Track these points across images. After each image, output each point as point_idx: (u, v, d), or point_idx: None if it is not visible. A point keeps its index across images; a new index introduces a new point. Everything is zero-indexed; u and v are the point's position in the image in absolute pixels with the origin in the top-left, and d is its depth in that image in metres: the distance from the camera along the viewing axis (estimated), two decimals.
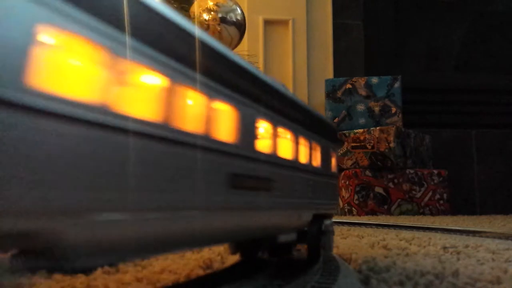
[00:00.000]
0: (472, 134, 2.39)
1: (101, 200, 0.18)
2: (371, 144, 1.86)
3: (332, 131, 0.55)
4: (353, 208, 1.82)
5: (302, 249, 0.58)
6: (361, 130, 1.90)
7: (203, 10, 1.10)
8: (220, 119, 0.27)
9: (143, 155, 0.21)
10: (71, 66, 0.18)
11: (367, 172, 1.84)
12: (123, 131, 0.19)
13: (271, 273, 0.42)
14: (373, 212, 1.81)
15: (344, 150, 1.92)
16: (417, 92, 2.40)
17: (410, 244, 0.72)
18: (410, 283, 0.41)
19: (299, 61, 2.30)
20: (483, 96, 2.48)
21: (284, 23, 2.31)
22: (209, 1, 1.11)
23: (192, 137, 0.24)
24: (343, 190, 1.88)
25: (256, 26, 2.26)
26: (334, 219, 1.49)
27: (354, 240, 0.77)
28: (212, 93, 0.26)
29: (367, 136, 1.88)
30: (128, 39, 0.19)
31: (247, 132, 0.30)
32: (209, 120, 0.26)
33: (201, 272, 0.46)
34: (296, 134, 0.39)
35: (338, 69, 2.35)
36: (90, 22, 0.18)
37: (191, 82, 0.24)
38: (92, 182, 0.18)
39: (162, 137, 0.22)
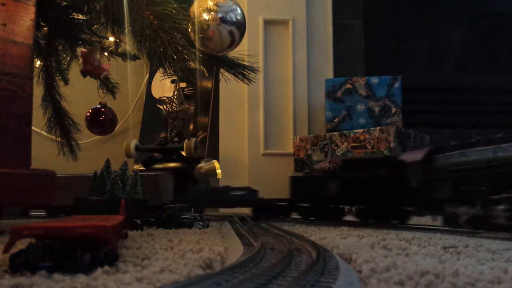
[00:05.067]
0: (472, 134, 2.38)
1: None
2: (371, 144, 1.86)
3: None
4: (353, 208, 1.82)
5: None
6: (361, 130, 1.90)
7: (203, 10, 1.10)
8: None
9: None
10: None
11: None
12: None
13: None
14: None
15: (344, 150, 1.92)
16: (417, 92, 2.40)
17: (410, 244, 0.72)
18: (410, 283, 0.41)
19: (299, 61, 2.29)
20: (483, 96, 2.48)
21: (284, 23, 2.30)
22: (209, 1, 1.11)
23: None
24: None
25: (256, 26, 2.26)
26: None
27: (354, 240, 0.77)
28: None
29: (367, 136, 1.87)
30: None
31: None
32: None
33: (201, 272, 0.46)
34: None
35: (338, 69, 2.34)
36: None
37: None
38: None
39: None
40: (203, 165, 1.65)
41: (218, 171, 1.65)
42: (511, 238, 0.80)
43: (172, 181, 1.59)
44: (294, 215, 1.52)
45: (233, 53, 1.25)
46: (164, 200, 1.48)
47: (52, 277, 0.43)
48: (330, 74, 2.32)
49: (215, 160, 1.67)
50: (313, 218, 1.41)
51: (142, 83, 2.51)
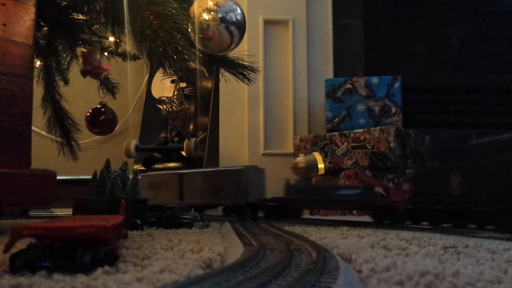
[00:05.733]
0: (472, 134, 2.38)
1: None
2: (371, 144, 1.86)
3: None
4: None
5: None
6: (361, 130, 1.90)
7: (203, 10, 1.10)
8: None
9: None
10: None
11: (367, 172, 1.84)
12: None
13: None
14: None
15: (344, 150, 1.92)
16: (417, 92, 2.40)
17: (410, 244, 0.72)
18: (410, 283, 0.41)
19: (299, 61, 2.29)
20: (483, 96, 2.48)
21: (284, 23, 2.31)
22: (209, 1, 1.11)
23: None
24: None
25: (256, 26, 2.26)
26: (334, 219, 1.44)
27: (354, 240, 0.77)
28: None
29: (367, 136, 1.87)
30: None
31: None
32: None
33: (201, 272, 0.46)
34: None
35: (338, 69, 2.34)
36: None
37: None
38: None
39: None
40: (301, 159, 1.36)
41: (321, 165, 1.34)
42: (511, 238, 0.80)
43: (262, 175, 1.37)
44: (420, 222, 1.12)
45: (233, 53, 1.25)
46: (254, 199, 1.30)
47: (52, 277, 0.43)
48: (330, 74, 2.32)
49: (316, 152, 1.39)
50: (448, 225, 1.03)
51: (142, 83, 2.51)
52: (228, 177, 1.31)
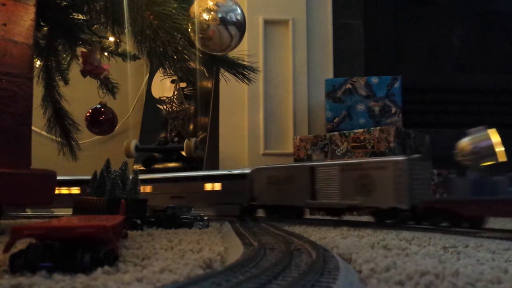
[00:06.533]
0: None
1: None
2: (371, 144, 1.86)
3: None
4: None
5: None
6: (361, 130, 1.90)
7: (203, 10, 1.10)
8: None
9: None
10: None
11: None
12: None
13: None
14: None
15: (344, 150, 1.92)
16: (417, 92, 2.40)
17: (410, 244, 0.72)
18: (410, 283, 0.41)
19: (299, 61, 2.29)
20: (483, 96, 2.48)
21: (284, 23, 2.31)
22: (209, 1, 1.11)
23: None
24: None
25: (256, 26, 2.26)
26: (334, 219, 1.42)
27: (354, 240, 0.77)
28: None
29: (367, 136, 1.87)
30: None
31: None
32: None
33: (201, 272, 0.46)
34: None
35: (338, 69, 2.34)
36: None
37: None
38: None
39: None
40: (468, 140, 0.97)
41: (500, 149, 0.91)
42: (511, 238, 0.80)
43: (428, 171, 1.08)
44: None
45: (233, 53, 1.25)
46: (418, 202, 1.01)
47: (52, 277, 0.43)
48: (330, 74, 2.32)
49: (492, 129, 0.94)
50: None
51: (142, 83, 2.51)
52: (382, 170, 1.04)
